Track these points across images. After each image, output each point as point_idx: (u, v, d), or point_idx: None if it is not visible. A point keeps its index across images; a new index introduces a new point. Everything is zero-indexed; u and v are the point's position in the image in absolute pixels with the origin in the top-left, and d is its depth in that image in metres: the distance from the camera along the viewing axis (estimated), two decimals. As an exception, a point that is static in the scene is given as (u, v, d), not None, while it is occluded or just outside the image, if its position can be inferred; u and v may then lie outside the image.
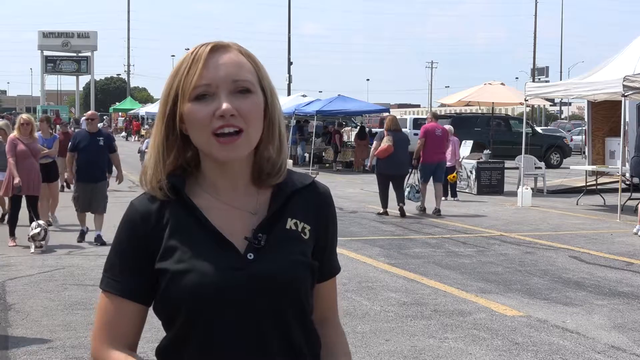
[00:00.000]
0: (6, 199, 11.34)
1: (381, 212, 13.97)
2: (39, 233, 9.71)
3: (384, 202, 13.96)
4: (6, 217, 12.56)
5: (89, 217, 10.75)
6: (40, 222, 9.91)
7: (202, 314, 1.58)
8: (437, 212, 14.23)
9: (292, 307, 1.62)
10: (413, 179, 14.50)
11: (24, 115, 10.90)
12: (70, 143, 10.98)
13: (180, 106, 1.60)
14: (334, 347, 1.77)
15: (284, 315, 1.61)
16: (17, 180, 10.33)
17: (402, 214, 13.77)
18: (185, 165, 1.67)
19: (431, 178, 14.58)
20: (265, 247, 1.61)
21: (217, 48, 1.61)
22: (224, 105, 1.55)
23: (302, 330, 1.65)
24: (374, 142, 14.27)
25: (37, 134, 10.97)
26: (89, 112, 11.44)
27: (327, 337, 1.76)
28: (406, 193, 14.28)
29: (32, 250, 9.75)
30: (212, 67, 1.58)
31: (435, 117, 15.46)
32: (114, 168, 11.30)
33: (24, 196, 10.37)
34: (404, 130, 27.63)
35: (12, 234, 10.49)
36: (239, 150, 1.59)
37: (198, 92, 1.57)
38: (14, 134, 10.63)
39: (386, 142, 13.64)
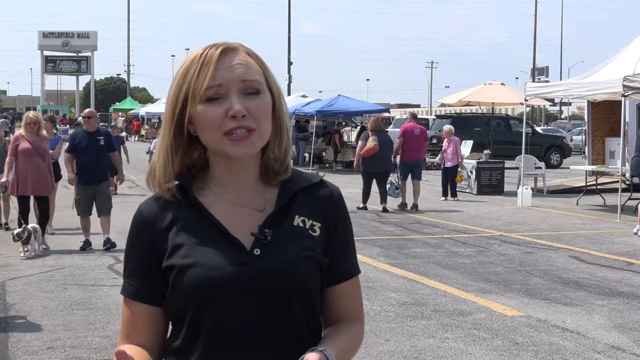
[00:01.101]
0: (14, 204, 10.80)
1: (361, 207, 14.62)
2: (22, 231, 9.33)
3: (365, 198, 14.74)
4: (7, 224, 12.00)
5: (93, 225, 10.25)
6: (30, 225, 9.56)
7: (209, 308, 1.59)
8: (415, 208, 15.00)
9: (300, 302, 1.62)
10: (392, 176, 15.17)
11: (31, 113, 10.38)
12: (68, 143, 10.57)
13: (190, 108, 1.62)
14: (338, 329, 1.72)
15: (291, 310, 1.61)
16: (3, 179, 10.03)
17: (384, 210, 14.59)
18: (191, 166, 1.69)
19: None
20: (271, 243, 1.62)
21: (227, 50, 1.63)
22: (236, 106, 1.58)
23: (310, 325, 1.65)
24: (359, 142, 15.00)
25: (44, 133, 10.53)
26: (86, 110, 10.87)
27: (336, 325, 1.73)
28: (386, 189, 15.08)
29: (22, 255, 9.43)
30: (223, 69, 1.60)
31: (414, 117, 16.28)
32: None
33: (29, 197, 9.97)
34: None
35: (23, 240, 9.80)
36: (251, 147, 1.61)
37: (209, 94, 1.59)
38: (19, 131, 10.22)
39: (372, 142, 14.32)
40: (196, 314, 1.60)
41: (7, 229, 11.74)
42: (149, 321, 1.68)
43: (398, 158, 15.29)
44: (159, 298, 1.66)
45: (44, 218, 10.10)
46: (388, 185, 14.93)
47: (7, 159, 9.97)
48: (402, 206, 15.12)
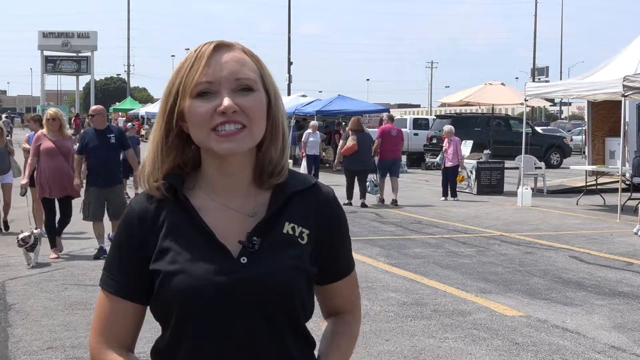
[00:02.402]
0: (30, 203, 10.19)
1: (346, 202, 15.29)
2: (29, 236, 8.75)
3: (349, 194, 15.54)
4: (4, 225, 11.56)
5: (107, 228, 9.65)
6: (35, 230, 9.09)
7: (194, 316, 1.57)
8: (394, 203, 15.78)
9: (285, 312, 1.60)
10: (371, 174, 16.07)
11: (51, 110, 9.65)
12: (77, 144, 9.62)
13: (181, 103, 1.59)
14: (337, 329, 1.76)
15: (276, 320, 1.59)
16: (24, 181, 9.63)
17: (363, 205, 15.33)
18: (183, 165, 1.66)
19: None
20: (259, 251, 1.59)
21: (221, 47, 1.60)
22: (226, 102, 1.54)
23: (295, 335, 1.63)
24: (340, 142, 16.03)
25: (69, 131, 9.87)
26: (92, 107, 9.80)
27: (335, 322, 1.77)
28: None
29: (26, 262, 8.85)
30: (215, 65, 1.57)
31: (391, 119, 17.22)
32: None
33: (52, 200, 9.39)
34: (404, 129, 29.17)
35: (52, 244, 9.42)
36: (240, 143, 1.57)
37: (200, 89, 1.57)
38: (41, 130, 9.60)
39: (351, 141, 15.24)
40: (180, 320, 1.58)
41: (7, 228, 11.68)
42: (132, 319, 1.66)
43: (377, 157, 16.15)
44: (143, 296, 1.64)
45: (64, 218, 9.60)
46: (367, 183, 15.77)
47: (29, 160, 9.50)
48: (381, 202, 15.93)
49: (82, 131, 12.82)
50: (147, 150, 1.66)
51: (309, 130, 21.53)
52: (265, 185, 1.66)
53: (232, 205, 1.64)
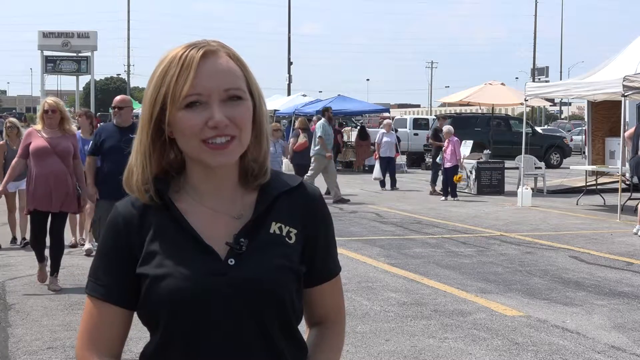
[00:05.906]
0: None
1: None
2: None
3: None
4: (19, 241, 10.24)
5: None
6: None
7: (182, 320, 1.56)
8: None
9: (275, 313, 1.59)
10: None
11: (50, 100, 7.58)
12: (91, 143, 7.99)
13: (169, 111, 1.57)
14: (322, 341, 1.74)
15: (266, 321, 1.58)
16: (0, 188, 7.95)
17: None
18: (168, 168, 1.65)
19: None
20: (247, 253, 1.58)
21: (208, 54, 1.58)
22: (217, 117, 1.54)
23: (286, 337, 1.62)
24: (291, 140, 17.30)
25: (74, 128, 8.08)
26: (117, 98, 7.84)
27: (320, 334, 1.75)
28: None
29: None
30: (203, 76, 1.55)
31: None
32: None
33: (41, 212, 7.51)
34: (404, 129, 29.50)
35: (40, 259, 7.72)
36: (231, 155, 1.58)
37: (189, 101, 1.55)
38: (34, 126, 7.78)
39: (303, 139, 16.56)
40: (169, 325, 1.57)
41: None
42: (120, 324, 1.64)
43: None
44: (130, 300, 1.63)
45: (57, 246, 7.67)
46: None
47: (13, 162, 7.74)
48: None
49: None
50: (132, 156, 1.65)
51: (383, 130, 19.71)
52: (251, 187, 1.66)
53: (218, 207, 1.63)
